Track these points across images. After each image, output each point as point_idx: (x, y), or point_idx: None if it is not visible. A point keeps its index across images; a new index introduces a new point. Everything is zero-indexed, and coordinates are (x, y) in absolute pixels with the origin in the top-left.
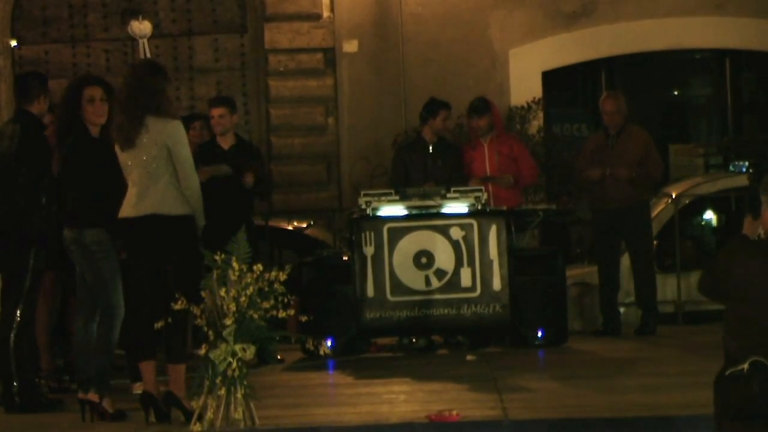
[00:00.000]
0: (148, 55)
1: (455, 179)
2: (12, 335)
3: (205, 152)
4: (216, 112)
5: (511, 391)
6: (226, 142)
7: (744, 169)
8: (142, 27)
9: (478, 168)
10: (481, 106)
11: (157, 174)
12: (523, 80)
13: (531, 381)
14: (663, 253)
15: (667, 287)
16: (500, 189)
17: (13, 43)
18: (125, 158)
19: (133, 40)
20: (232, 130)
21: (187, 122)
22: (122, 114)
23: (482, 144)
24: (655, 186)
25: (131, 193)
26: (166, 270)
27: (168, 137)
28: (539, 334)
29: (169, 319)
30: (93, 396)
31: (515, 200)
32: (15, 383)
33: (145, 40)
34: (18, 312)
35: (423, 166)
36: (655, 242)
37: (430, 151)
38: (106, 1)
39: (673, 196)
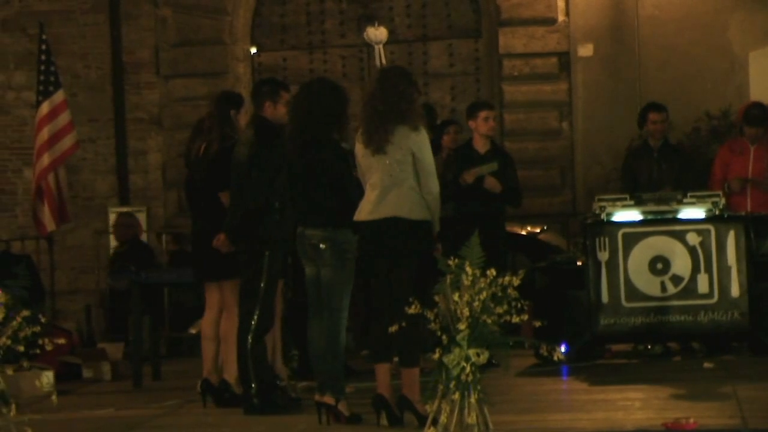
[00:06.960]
0: (384, 61)
1: (683, 183)
2: (249, 338)
3: (461, 156)
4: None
5: (750, 400)
6: (482, 146)
7: None
8: (377, 33)
9: (739, 171)
10: (758, 116)
11: (400, 178)
12: (764, 83)
13: None
14: None
15: None
16: (759, 193)
17: (253, 50)
18: (369, 162)
19: (368, 46)
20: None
21: (441, 128)
22: (372, 118)
23: (749, 147)
24: None
25: (371, 196)
26: (400, 273)
27: (414, 143)
28: None
29: (403, 323)
30: (329, 399)
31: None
32: (253, 385)
33: (381, 46)
34: (255, 316)
35: (649, 170)
36: None
37: (655, 155)
38: (343, 8)
39: None
